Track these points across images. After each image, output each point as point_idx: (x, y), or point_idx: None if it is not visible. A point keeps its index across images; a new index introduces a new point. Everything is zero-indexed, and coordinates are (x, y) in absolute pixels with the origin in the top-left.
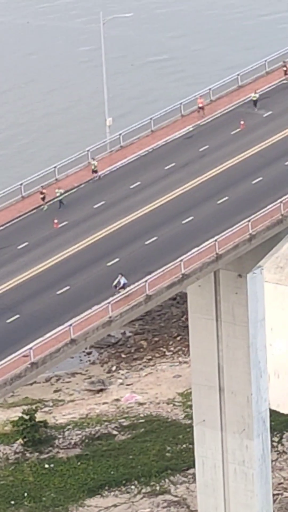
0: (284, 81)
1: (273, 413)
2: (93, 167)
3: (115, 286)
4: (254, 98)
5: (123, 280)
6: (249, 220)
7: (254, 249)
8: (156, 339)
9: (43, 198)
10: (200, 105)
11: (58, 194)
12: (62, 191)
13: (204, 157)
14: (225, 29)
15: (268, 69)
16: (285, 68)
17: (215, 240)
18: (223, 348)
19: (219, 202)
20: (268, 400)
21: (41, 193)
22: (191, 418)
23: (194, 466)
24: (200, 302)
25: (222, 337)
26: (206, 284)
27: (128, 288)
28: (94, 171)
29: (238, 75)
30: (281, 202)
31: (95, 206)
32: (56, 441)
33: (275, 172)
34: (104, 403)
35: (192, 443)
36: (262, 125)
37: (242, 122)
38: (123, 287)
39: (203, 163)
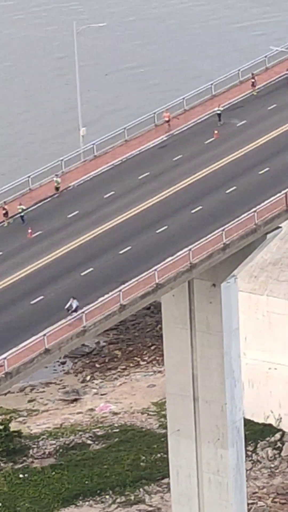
0: (253, 93)
1: (248, 422)
2: (56, 184)
3: (67, 309)
4: (219, 112)
5: (75, 303)
6: (223, 230)
7: (228, 258)
8: (130, 348)
9: (5, 214)
10: (167, 118)
11: (19, 210)
12: (23, 207)
13: (178, 167)
14: (199, 37)
15: (241, 78)
16: (253, 80)
17: (189, 250)
18: (197, 357)
19: (193, 211)
20: (242, 409)
21: (3, 208)
22: (166, 428)
23: (168, 476)
24: (174, 311)
25: (196, 346)
26: (180, 293)
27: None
28: (57, 188)
29: (211, 84)
30: (255, 211)
31: (69, 216)
32: (31, 451)
33: (249, 182)
34: (78, 413)
35: (167, 453)
36: (236, 135)
37: (216, 132)
38: (75, 310)
39: (177, 173)
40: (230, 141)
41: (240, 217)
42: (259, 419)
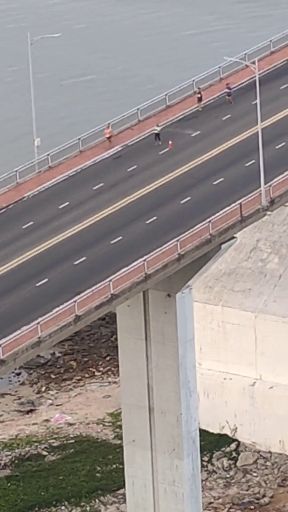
0: (198, 109)
1: (203, 433)
2: None
3: None
4: (156, 131)
5: None
6: (178, 240)
7: (183, 268)
8: (86, 359)
9: None
10: (107, 135)
11: None
12: None
13: (132, 177)
14: (153, 48)
15: (195, 89)
16: (199, 95)
17: (144, 260)
18: (153, 367)
19: (147, 222)
20: (197, 419)
21: None
22: (121, 438)
23: (124, 486)
24: (130, 322)
25: (151, 357)
26: (135, 304)
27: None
28: None
29: (166, 95)
30: (209, 221)
31: (24, 227)
32: None
33: (204, 192)
34: (34, 424)
35: (122, 463)
36: (191, 145)
37: (170, 142)
38: None
39: (132, 183)
40: (184, 152)
41: (195, 228)
42: (215, 429)
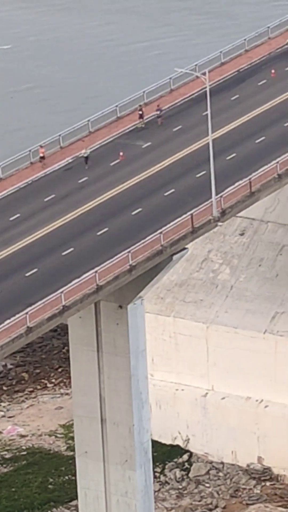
0: (138, 125)
1: (155, 444)
2: None
3: None
4: (85, 155)
5: None
6: (129, 251)
7: (135, 280)
8: (38, 371)
9: None
10: (41, 154)
11: None
12: None
13: (83, 189)
14: (105, 60)
15: (146, 100)
16: (140, 112)
17: (96, 272)
18: (105, 379)
19: (99, 233)
20: (150, 430)
21: None
22: (73, 450)
23: (77, 498)
24: (81, 333)
25: (103, 368)
26: (87, 315)
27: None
28: None
29: (116, 106)
30: (160, 232)
31: None
32: None
33: (155, 203)
34: None
35: (75, 475)
36: (141, 156)
37: (121, 153)
38: None
39: (83, 195)
40: (135, 163)
41: (146, 239)
42: (167, 440)
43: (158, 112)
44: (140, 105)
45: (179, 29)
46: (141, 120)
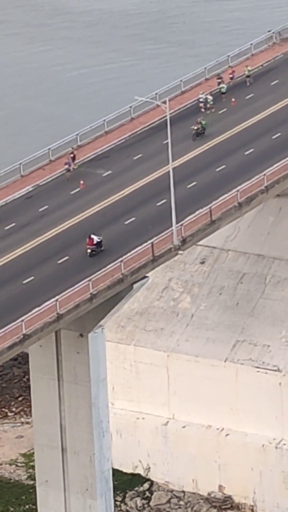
0: (74, 167)
1: (116, 472)
2: None
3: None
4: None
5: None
6: (90, 280)
7: (95, 308)
8: None
9: None
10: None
11: None
12: None
13: (44, 217)
14: (65, 87)
15: (107, 128)
16: (72, 155)
17: (56, 300)
18: (65, 408)
19: (59, 261)
20: (110, 459)
21: None
22: (34, 479)
23: None
24: (42, 362)
25: (64, 397)
26: (48, 344)
27: None
28: None
29: (77, 134)
30: (121, 261)
31: None
32: None
33: (115, 231)
34: None
35: (35, 504)
36: (102, 185)
37: (82, 182)
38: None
39: (43, 223)
40: (96, 191)
41: (107, 267)
42: (128, 469)
43: (68, 163)
44: (72, 148)
45: (140, 58)
46: (73, 162)
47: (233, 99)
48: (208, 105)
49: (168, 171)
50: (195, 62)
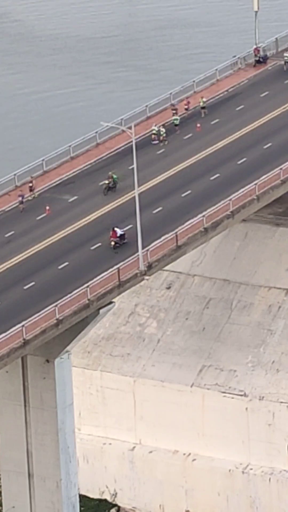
0: (34, 196)
1: (83, 498)
2: None
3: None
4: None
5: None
6: (56, 305)
7: (62, 334)
8: None
9: None
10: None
11: None
12: None
13: (10, 243)
14: (30, 113)
15: (72, 154)
16: (30, 184)
17: (22, 326)
18: (32, 433)
19: (25, 287)
20: (77, 485)
21: None
22: (1, 505)
23: None
24: (8, 387)
25: (30, 422)
26: (14, 369)
27: None
28: None
29: (42, 160)
30: (87, 286)
31: None
32: None
33: (81, 257)
34: None
35: None
36: (68, 210)
37: (47, 208)
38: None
39: (9, 249)
40: (61, 217)
41: (73, 293)
42: (95, 495)
43: (20, 199)
44: (31, 177)
45: (106, 83)
46: (30, 192)
47: (198, 125)
48: (161, 137)
49: (134, 196)
50: (161, 88)
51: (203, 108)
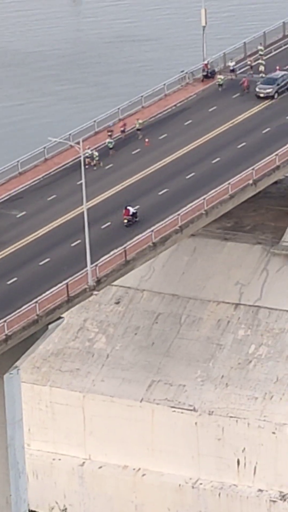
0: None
1: None
2: None
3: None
4: None
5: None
6: (4, 321)
7: (10, 349)
8: None
9: None
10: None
11: None
12: None
13: None
14: None
15: (20, 169)
16: None
17: None
18: None
19: None
20: (27, 500)
21: None
22: None
23: None
24: None
25: None
26: None
27: None
28: None
29: None
30: (36, 302)
31: None
32: None
33: (30, 272)
34: None
35: None
36: (16, 226)
37: None
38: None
39: None
40: (10, 233)
41: (21, 308)
42: (44, 510)
43: None
44: None
45: (54, 98)
46: None
47: (146, 140)
48: (94, 161)
49: (83, 212)
50: (109, 103)
51: (138, 130)
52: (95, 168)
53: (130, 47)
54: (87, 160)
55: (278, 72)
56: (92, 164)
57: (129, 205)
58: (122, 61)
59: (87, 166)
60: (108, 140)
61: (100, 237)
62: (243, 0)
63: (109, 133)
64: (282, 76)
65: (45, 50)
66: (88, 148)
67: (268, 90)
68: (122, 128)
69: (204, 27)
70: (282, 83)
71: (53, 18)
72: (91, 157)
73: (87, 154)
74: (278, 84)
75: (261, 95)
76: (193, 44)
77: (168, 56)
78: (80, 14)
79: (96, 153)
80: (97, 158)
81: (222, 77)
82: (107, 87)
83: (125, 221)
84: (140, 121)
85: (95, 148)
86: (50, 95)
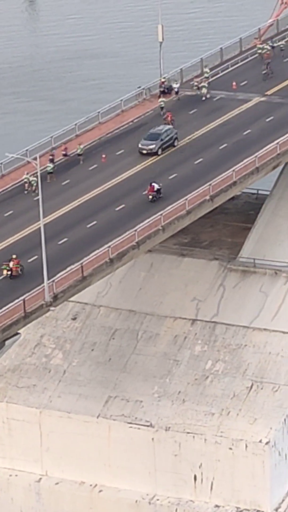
0: None
1: None
2: None
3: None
4: None
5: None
6: None
7: None
8: None
9: None
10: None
11: None
12: None
13: None
14: None
15: None
16: None
17: None
18: None
19: None
20: None
21: None
22: None
23: None
24: None
25: None
26: None
27: None
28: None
29: None
30: None
31: None
32: None
33: None
34: None
35: None
36: None
37: None
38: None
39: None
40: None
41: None
42: None
43: None
44: None
45: (11, 113)
46: None
47: (103, 155)
48: (32, 187)
49: (39, 227)
50: (67, 118)
51: (79, 155)
52: (33, 194)
53: (89, 62)
54: (25, 185)
55: (162, 126)
56: (31, 189)
57: (154, 182)
58: (81, 76)
59: (25, 192)
60: (48, 164)
61: (57, 253)
62: (201, 15)
63: (51, 157)
64: (166, 131)
65: (2, 66)
66: (27, 173)
67: (151, 147)
68: (64, 152)
69: (161, 43)
70: (166, 138)
71: (11, 35)
72: (29, 182)
73: (25, 179)
74: (161, 140)
75: (144, 151)
76: (151, 59)
77: (127, 72)
78: (37, 30)
79: (34, 178)
80: (34, 184)
81: (164, 99)
82: (65, 102)
83: (150, 197)
84: (81, 146)
85: (33, 174)
86: (7, 110)
